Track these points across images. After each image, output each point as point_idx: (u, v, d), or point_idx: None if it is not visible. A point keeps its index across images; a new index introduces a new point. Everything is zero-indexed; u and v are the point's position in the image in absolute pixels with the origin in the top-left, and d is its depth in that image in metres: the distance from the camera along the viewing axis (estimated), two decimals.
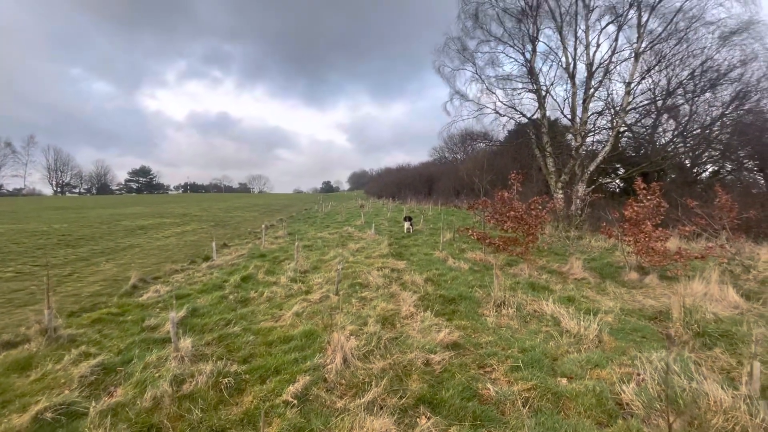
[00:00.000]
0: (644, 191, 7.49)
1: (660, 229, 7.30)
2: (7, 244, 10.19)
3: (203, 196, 64.49)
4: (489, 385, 3.37)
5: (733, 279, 7.48)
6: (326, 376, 3.44)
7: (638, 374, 3.61)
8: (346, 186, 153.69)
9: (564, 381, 3.54)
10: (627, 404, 3.17)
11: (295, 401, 3.01)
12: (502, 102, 18.90)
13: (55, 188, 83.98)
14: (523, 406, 3.09)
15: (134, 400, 2.98)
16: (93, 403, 2.90)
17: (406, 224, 14.46)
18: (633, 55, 15.67)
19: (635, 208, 7.40)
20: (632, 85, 15.96)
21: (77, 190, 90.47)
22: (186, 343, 3.86)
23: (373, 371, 3.51)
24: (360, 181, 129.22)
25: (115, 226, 15.09)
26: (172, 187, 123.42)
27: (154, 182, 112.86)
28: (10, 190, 75.96)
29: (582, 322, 4.72)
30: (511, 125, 20.98)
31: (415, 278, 6.85)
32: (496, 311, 5.42)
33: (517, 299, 5.70)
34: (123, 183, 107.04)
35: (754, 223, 10.69)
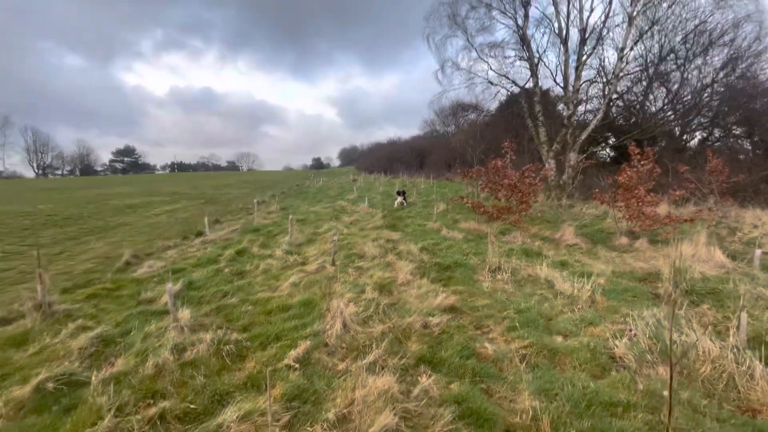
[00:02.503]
0: (638, 156, 7.51)
1: (652, 194, 7.38)
2: None
3: (192, 175, 63.35)
4: (487, 344, 3.45)
5: (720, 241, 7.67)
6: (327, 340, 3.48)
7: (630, 330, 3.73)
8: (336, 162, 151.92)
9: (559, 339, 3.64)
10: (620, 358, 3.27)
11: (297, 365, 3.05)
12: (494, 70, 18.54)
13: (36, 170, 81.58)
14: (521, 363, 3.18)
15: (136, 369, 2.99)
16: (95, 373, 2.90)
17: (399, 198, 14.17)
18: (627, 18, 15.35)
19: (629, 173, 7.45)
20: (625, 51, 15.72)
21: (60, 172, 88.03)
22: (185, 314, 3.84)
23: (373, 335, 3.56)
24: (351, 156, 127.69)
25: (103, 206, 14.79)
26: (158, 166, 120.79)
27: (139, 162, 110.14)
28: None
29: (575, 284, 4.82)
30: (502, 95, 20.71)
31: (410, 248, 6.88)
32: (492, 276, 5.50)
33: (512, 265, 5.77)
34: (107, 163, 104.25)
35: (740, 188, 10.88)
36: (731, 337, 3.35)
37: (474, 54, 18.73)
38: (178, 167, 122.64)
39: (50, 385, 2.74)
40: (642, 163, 7.41)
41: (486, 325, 3.94)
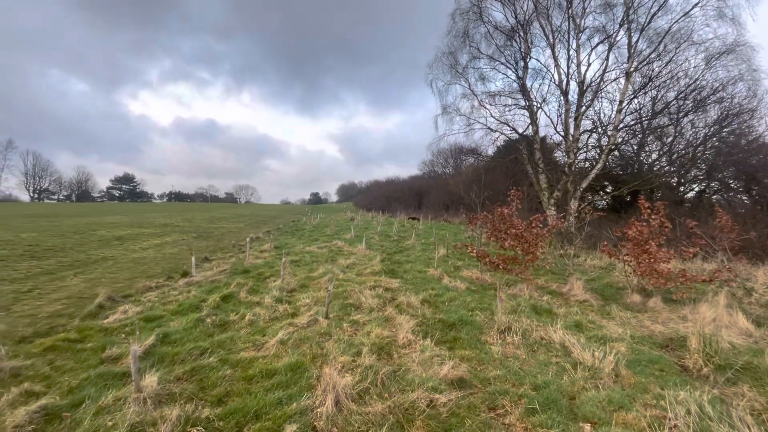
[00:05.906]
0: (648, 210, 7.24)
1: (664, 249, 7.04)
2: None
3: (188, 206, 62.96)
4: None
5: (738, 302, 7.25)
6: (315, 423, 2.93)
7: (668, 418, 3.21)
8: (334, 198, 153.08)
9: (587, 427, 3.11)
10: None
11: None
12: (493, 117, 18.86)
13: (32, 194, 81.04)
14: None
15: None
16: None
17: None
18: (624, 74, 15.84)
19: (639, 227, 7.13)
20: (623, 104, 16.08)
21: (56, 197, 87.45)
22: (151, 379, 3.30)
23: (370, 417, 3.02)
24: (349, 193, 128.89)
25: (90, 236, 14.23)
26: (156, 195, 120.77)
27: (137, 190, 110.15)
28: None
29: (596, 353, 4.33)
30: (501, 141, 20.97)
31: (410, 299, 6.39)
32: (501, 339, 4.99)
33: (522, 325, 5.29)
34: (105, 190, 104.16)
35: (748, 244, 10.60)
36: None
37: (475, 101, 19.15)
38: (176, 197, 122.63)
39: None
40: (653, 217, 7.13)
41: (501, 405, 3.40)
